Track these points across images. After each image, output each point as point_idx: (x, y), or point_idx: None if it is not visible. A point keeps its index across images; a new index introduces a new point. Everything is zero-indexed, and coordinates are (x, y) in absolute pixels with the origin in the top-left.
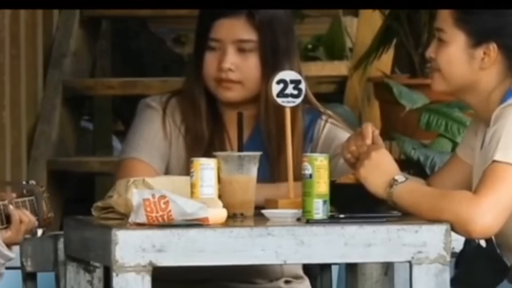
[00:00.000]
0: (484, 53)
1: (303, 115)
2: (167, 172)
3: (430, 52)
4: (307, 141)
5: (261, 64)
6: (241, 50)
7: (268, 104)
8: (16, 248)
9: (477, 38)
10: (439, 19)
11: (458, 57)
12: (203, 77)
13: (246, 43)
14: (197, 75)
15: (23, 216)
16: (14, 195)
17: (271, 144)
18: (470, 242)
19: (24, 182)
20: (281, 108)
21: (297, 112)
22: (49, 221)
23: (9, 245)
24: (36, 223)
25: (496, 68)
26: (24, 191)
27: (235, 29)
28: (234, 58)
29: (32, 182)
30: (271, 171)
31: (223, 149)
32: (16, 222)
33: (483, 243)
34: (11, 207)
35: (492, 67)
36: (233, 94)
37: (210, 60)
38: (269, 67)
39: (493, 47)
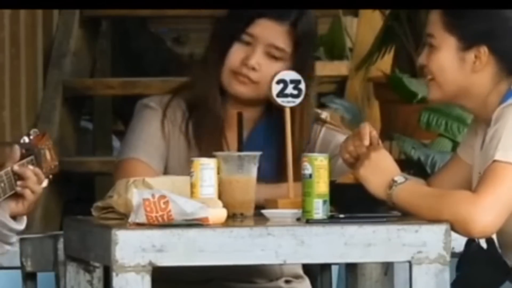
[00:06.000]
0: (475, 56)
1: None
2: (165, 172)
3: (422, 60)
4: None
5: None
6: (270, 55)
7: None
8: (24, 220)
9: (468, 42)
10: (429, 24)
11: (449, 61)
12: (222, 68)
13: (278, 51)
14: (218, 66)
15: (27, 193)
16: (17, 155)
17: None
18: (471, 244)
19: (24, 137)
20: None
21: (304, 110)
22: (54, 171)
23: (16, 217)
24: (43, 184)
25: (488, 71)
26: (23, 151)
27: (274, 33)
28: (262, 59)
29: (35, 131)
30: (279, 171)
31: (220, 149)
32: (27, 196)
33: (484, 244)
34: (19, 183)
35: (485, 70)
36: (245, 90)
37: (237, 51)
38: None
39: (484, 50)
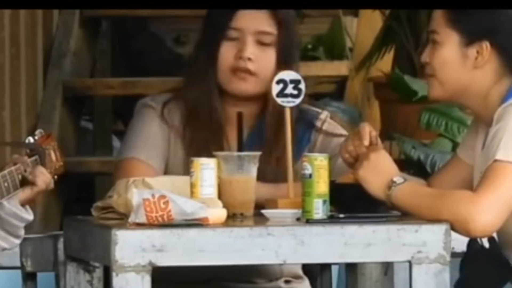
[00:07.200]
0: (477, 51)
1: (296, 116)
2: (166, 172)
3: (425, 57)
4: (304, 142)
5: (276, 59)
6: (259, 43)
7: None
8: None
9: (470, 37)
10: (432, 21)
11: (452, 57)
12: (216, 69)
13: (266, 36)
14: (209, 68)
15: (39, 181)
16: (26, 157)
17: (267, 142)
18: (473, 244)
19: (29, 137)
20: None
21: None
22: (58, 171)
23: (25, 205)
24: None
25: (490, 67)
26: (28, 151)
27: (257, 20)
28: (255, 48)
29: (40, 131)
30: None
31: (221, 148)
32: (39, 184)
33: (486, 244)
34: (27, 175)
35: (486, 66)
36: (247, 85)
37: (227, 49)
38: (283, 63)
39: (486, 46)
